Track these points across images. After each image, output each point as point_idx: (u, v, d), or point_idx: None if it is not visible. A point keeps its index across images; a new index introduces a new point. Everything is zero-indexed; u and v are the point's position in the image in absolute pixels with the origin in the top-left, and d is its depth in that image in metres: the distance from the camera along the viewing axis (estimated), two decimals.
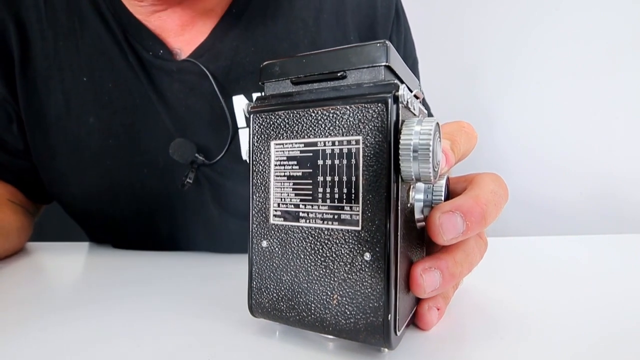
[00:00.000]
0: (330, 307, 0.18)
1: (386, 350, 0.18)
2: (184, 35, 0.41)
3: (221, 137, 0.41)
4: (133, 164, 0.41)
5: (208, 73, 0.40)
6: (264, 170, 0.20)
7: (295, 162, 0.19)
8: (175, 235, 0.44)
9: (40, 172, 0.44)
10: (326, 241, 0.18)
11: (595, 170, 1.38)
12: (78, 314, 0.24)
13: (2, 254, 0.39)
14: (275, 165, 0.19)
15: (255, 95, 0.40)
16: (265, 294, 0.20)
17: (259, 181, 0.20)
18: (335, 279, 0.18)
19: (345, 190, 0.17)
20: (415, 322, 0.21)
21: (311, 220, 0.18)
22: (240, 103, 0.41)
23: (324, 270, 0.18)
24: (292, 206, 0.19)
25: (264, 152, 0.20)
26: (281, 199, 0.19)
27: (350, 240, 0.17)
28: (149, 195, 0.42)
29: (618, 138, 1.35)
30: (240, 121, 0.41)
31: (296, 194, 0.19)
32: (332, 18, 0.43)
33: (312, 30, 0.43)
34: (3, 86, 0.41)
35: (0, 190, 0.45)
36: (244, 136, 0.41)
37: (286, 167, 0.19)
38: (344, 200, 0.17)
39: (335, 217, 0.18)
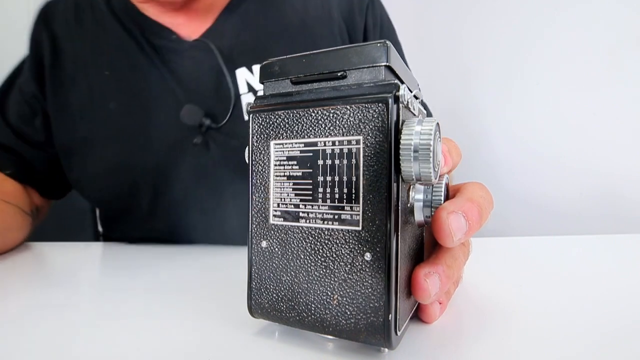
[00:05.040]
0: (330, 307, 0.18)
1: (386, 350, 0.18)
2: (191, 26, 0.49)
3: (226, 104, 0.46)
4: (148, 138, 0.47)
5: (214, 48, 0.47)
6: (263, 170, 0.20)
7: (295, 162, 0.19)
8: (187, 201, 0.48)
9: (62, 159, 0.49)
10: (326, 241, 0.18)
11: (596, 170, 1.38)
12: (78, 313, 0.24)
13: None
14: (275, 165, 0.19)
15: (255, 68, 0.47)
16: (265, 294, 0.20)
17: (258, 181, 0.20)
18: (336, 279, 0.18)
19: (345, 190, 0.17)
20: (418, 315, 0.22)
21: (311, 220, 0.18)
22: (242, 74, 0.47)
23: (324, 270, 0.18)
24: (292, 206, 0.19)
25: (263, 152, 0.20)
26: (281, 199, 0.19)
27: (351, 240, 0.17)
28: (163, 165, 0.47)
29: (618, 138, 1.35)
30: (243, 89, 0.47)
31: (296, 194, 0.19)
32: (318, 1, 0.52)
33: (300, 12, 0.50)
34: (35, 86, 0.49)
35: None
36: (245, 101, 0.47)
37: (286, 167, 0.19)
38: (345, 200, 0.17)
39: (336, 217, 0.18)
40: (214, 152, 0.47)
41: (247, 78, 0.47)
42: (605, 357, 0.19)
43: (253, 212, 0.20)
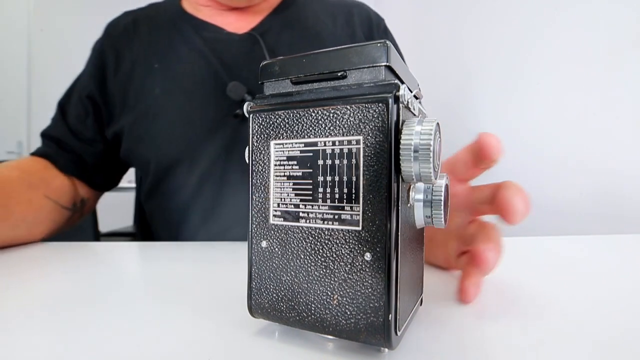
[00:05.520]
0: (330, 307, 0.18)
1: (386, 350, 0.18)
2: (240, 23, 0.59)
3: None
4: (189, 115, 0.55)
5: (260, 40, 0.56)
6: (263, 170, 0.20)
7: (295, 162, 0.19)
8: (217, 168, 0.55)
9: (123, 143, 0.58)
10: (326, 241, 0.18)
11: (596, 170, 1.38)
12: (76, 313, 0.24)
13: (7, 241, 0.47)
14: (275, 165, 0.19)
15: None
16: (265, 294, 0.20)
17: (258, 181, 0.20)
18: (336, 279, 0.18)
19: (345, 190, 0.17)
20: (458, 297, 0.26)
21: (311, 220, 0.18)
22: None
23: (324, 270, 0.18)
24: (292, 206, 0.19)
25: (263, 152, 0.20)
26: (281, 199, 0.19)
27: (351, 240, 0.17)
28: (202, 137, 0.55)
29: (618, 137, 1.35)
30: None
31: (296, 194, 0.19)
32: (342, 19, 0.63)
33: (330, 25, 0.61)
34: (95, 87, 0.59)
35: (42, 187, 0.53)
36: None
37: (286, 167, 0.19)
38: (345, 200, 0.17)
39: (336, 217, 0.18)
40: None
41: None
42: (606, 358, 0.19)
43: (253, 212, 0.20)
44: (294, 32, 0.59)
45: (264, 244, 0.20)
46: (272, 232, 0.19)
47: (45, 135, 0.59)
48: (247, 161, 0.21)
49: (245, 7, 0.60)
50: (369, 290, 0.17)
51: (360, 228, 0.17)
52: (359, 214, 0.17)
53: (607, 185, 1.36)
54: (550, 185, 1.39)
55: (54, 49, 2.19)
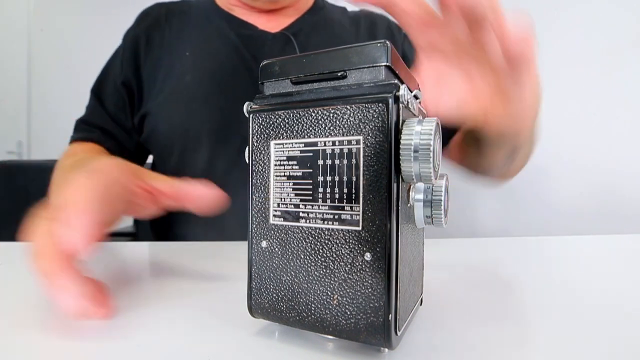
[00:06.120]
0: (330, 307, 0.18)
1: (386, 350, 0.18)
2: (272, 23, 0.62)
3: None
4: (218, 106, 0.57)
5: (293, 39, 0.59)
6: (263, 170, 0.20)
7: (295, 162, 0.19)
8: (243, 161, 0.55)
9: (148, 124, 0.59)
10: (326, 241, 0.18)
11: (596, 170, 1.38)
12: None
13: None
14: (275, 165, 0.19)
15: None
16: (265, 294, 0.20)
17: (258, 181, 0.20)
18: (336, 279, 0.18)
19: (345, 191, 0.17)
20: None
21: (311, 220, 0.18)
22: None
23: (324, 270, 0.18)
24: (292, 206, 0.19)
25: (263, 152, 0.20)
26: (281, 199, 0.19)
27: (351, 240, 0.17)
28: (229, 130, 0.56)
29: (618, 137, 1.35)
30: None
31: (296, 194, 0.19)
32: (365, 27, 0.66)
33: (354, 32, 0.64)
34: (132, 73, 0.61)
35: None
36: None
37: (286, 167, 0.19)
38: (345, 200, 0.17)
39: (336, 217, 0.18)
40: None
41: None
42: (606, 358, 0.19)
43: (253, 212, 0.20)
44: (322, 36, 0.62)
45: (264, 244, 0.20)
46: (272, 232, 0.19)
47: (85, 122, 0.60)
48: (247, 161, 0.21)
49: (273, 9, 0.62)
50: (369, 290, 0.17)
51: (360, 228, 0.17)
52: (359, 214, 0.17)
53: (607, 184, 1.36)
54: (550, 185, 1.39)
55: (54, 49, 2.18)
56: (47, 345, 0.20)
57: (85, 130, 0.60)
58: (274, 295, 0.19)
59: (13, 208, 0.69)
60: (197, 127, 0.57)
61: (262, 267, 0.20)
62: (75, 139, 0.59)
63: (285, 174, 0.19)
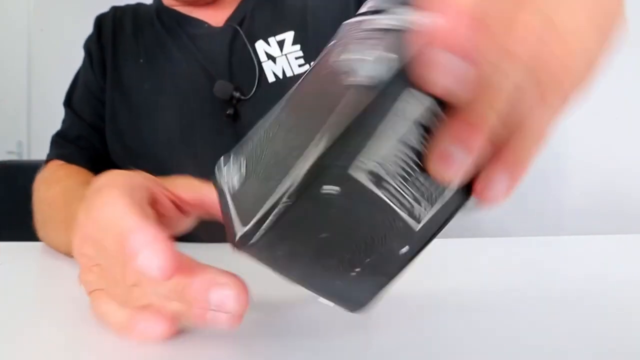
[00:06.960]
0: (346, 275, 0.17)
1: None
2: (218, 15, 0.60)
3: (252, 77, 0.55)
4: (181, 112, 0.56)
5: (239, 29, 0.57)
6: None
7: None
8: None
9: (119, 142, 0.58)
10: (385, 222, 0.16)
11: (596, 170, 1.38)
12: (73, 313, 0.24)
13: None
14: None
15: (271, 40, 0.56)
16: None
17: None
18: (369, 260, 0.17)
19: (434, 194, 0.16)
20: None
21: (390, 196, 0.16)
22: (261, 46, 0.56)
23: (369, 243, 0.16)
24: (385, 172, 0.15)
25: None
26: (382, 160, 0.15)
27: (402, 232, 0.16)
28: (196, 135, 0.55)
29: (618, 137, 1.35)
30: (263, 58, 0.56)
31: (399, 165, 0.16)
32: None
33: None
34: (101, 79, 0.60)
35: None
36: (267, 67, 0.55)
37: None
38: (425, 198, 0.16)
39: (408, 206, 0.16)
40: (245, 121, 0.54)
41: (265, 49, 0.56)
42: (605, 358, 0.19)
43: None
44: (270, 10, 0.59)
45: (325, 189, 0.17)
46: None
47: (62, 135, 0.59)
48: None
49: (211, 1, 0.60)
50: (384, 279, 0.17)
51: (418, 227, 0.16)
52: (427, 216, 0.17)
53: (607, 184, 1.35)
54: (550, 185, 1.39)
55: (54, 49, 2.18)
56: (47, 345, 0.20)
57: (61, 146, 0.59)
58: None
59: (13, 208, 0.69)
60: (165, 143, 0.56)
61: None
62: (51, 157, 0.57)
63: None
